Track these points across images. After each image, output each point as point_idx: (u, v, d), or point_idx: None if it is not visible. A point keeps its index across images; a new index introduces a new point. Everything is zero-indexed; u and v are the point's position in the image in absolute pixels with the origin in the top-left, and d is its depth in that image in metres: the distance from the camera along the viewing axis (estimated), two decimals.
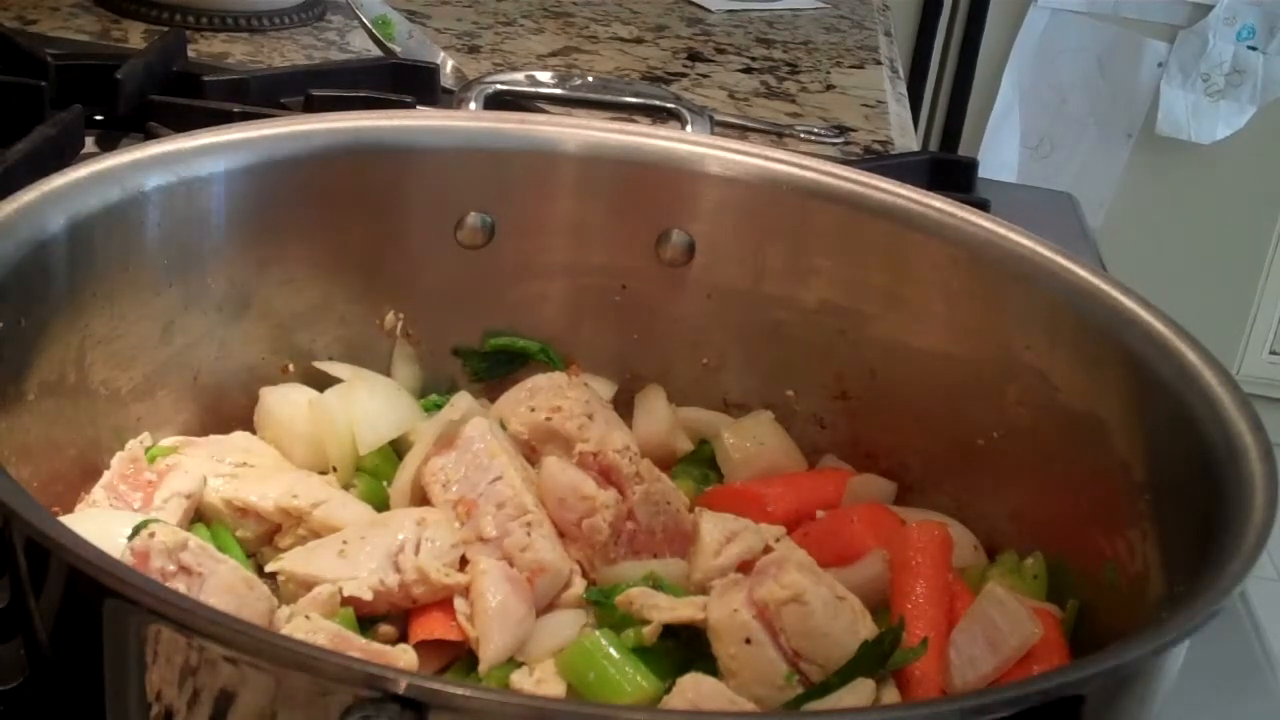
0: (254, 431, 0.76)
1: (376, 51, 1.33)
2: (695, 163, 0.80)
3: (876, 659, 0.62)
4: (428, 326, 0.81)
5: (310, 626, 0.60)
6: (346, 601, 0.64)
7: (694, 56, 1.56)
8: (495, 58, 1.46)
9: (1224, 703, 0.76)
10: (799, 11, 1.78)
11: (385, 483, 0.73)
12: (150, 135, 1.03)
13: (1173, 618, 0.50)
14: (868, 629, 0.63)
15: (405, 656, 0.61)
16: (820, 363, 0.80)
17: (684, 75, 1.50)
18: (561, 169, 0.80)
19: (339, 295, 0.79)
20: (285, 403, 0.76)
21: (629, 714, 0.53)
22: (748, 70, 1.53)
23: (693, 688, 0.60)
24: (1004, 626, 0.65)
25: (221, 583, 0.60)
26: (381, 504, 0.72)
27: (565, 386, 0.74)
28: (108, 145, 1.09)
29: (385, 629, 0.65)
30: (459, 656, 0.65)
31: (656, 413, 0.80)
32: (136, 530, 0.61)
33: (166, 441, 0.73)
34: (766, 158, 0.80)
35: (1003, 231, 0.75)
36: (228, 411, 0.76)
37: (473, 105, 1.04)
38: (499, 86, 1.07)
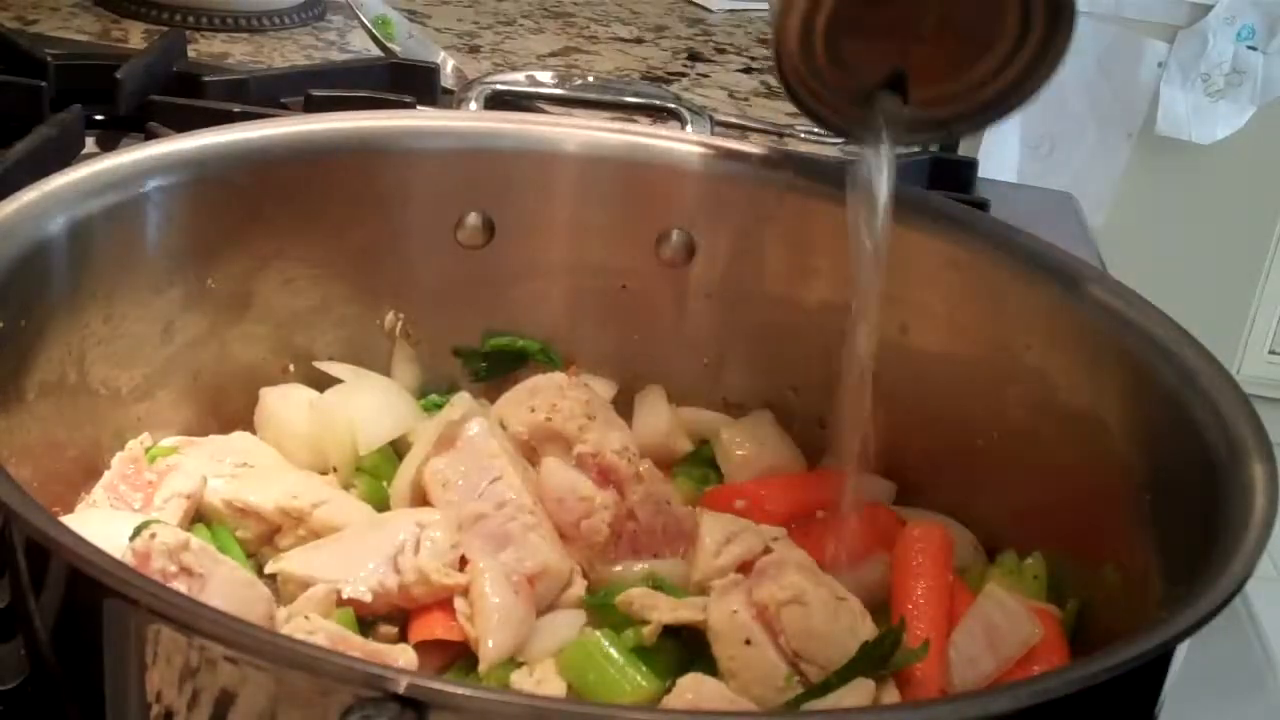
0: (254, 431, 0.76)
1: (376, 51, 1.33)
2: (695, 163, 0.80)
3: (877, 660, 0.62)
4: (428, 326, 0.81)
5: (310, 626, 0.60)
6: (346, 602, 0.64)
7: (694, 56, 1.56)
8: (495, 58, 1.46)
9: (1224, 703, 0.76)
10: None
11: (385, 483, 0.73)
12: (150, 135, 1.03)
13: (1173, 618, 0.50)
14: (868, 630, 0.63)
15: (405, 656, 0.61)
16: (820, 363, 0.80)
17: (684, 75, 1.50)
18: (561, 169, 0.80)
19: (339, 295, 0.79)
20: (285, 403, 0.76)
21: (629, 714, 0.54)
22: (748, 70, 1.53)
23: (693, 688, 0.60)
24: (1004, 626, 0.65)
25: (222, 583, 0.60)
26: (381, 504, 0.72)
27: (565, 387, 0.74)
28: (108, 145, 1.09)
29: (385, 629, 0.65)
30: (459, 656, 0.65)
31: (656, 413, 0.80)
32: (137, 531, 0.61)
33: (166, 441, 0.73)
34: (766, 157, 0.81)
35: (1003, 231, 0.75)
36: (228, 411, 0.76)
37: (473, 105, 1.04)
38: (499, 86, 1.07)
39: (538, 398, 0.74)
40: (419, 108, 1.12)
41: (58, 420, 0.67)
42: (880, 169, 0.68)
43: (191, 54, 1.29)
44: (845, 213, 0.78)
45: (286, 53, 1.40)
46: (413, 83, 1.22)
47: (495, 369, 0.82)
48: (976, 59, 0.66)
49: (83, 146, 1.06)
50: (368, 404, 0.75)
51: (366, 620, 0.65)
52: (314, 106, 1.11)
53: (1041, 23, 0.64)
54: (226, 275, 0.74)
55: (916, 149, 0.71)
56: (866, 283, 0.69)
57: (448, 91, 1.26)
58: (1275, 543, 0.57)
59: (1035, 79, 0.67)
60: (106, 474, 0.69)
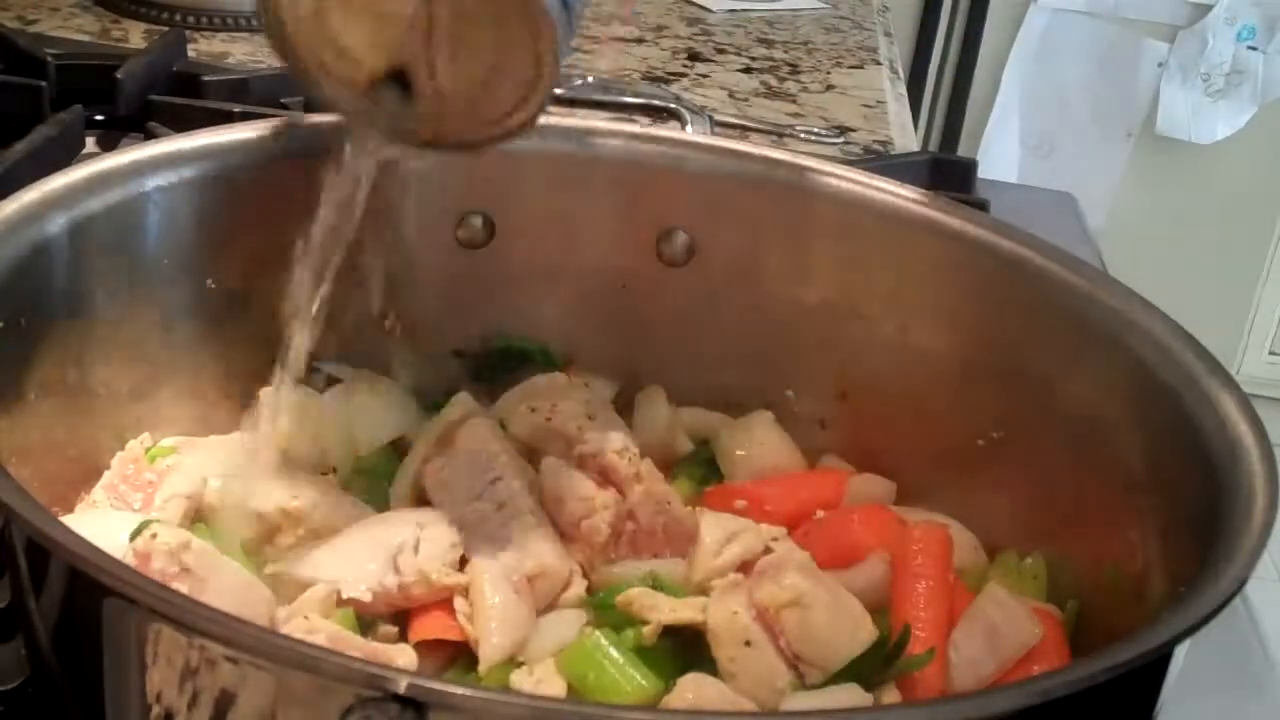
0: (254, 432, 0.76)
1: None
2: (695, 163, 0.80)
3: (881, 662, 0.62)
4: (428, 327, 0.81)
5: (310, 626, 0.60)
6: (346, 602, 0.64)
7: (694, 56, 1.56)
8: None
9: (1224, 703, 0.76)
10: (799, 11, 1.78)
11: (385, 483, 0.73)
12: (150, 135, 1.03)
13: (1173, 618, 0.50)
14: (868, 631, 0.63)
15: (405, 656, 0.61)
16: (820, 363, 0.80)
17: (684, 75, 1.50)
18: (561, 169, 0.80)
19: (339, 295, 0.79)
20: (285, 403, 0.76)
21: (629, 714, 0.53)
22: (748, 70, 1.53)
23: (693, 688, 0.60)
24: (1004, 627, 0.65)
25: (222, 584, 0.60)
26: (381, 504, 0.72)
27: (565, 387, 0.74)
28: (108, 145, 1.09)
29: (385, 629, 0.65)
30: (459, 656, 0.65)
31: (656, 413, 0.80)
32: (138, 531, 0.61)
33: (166, 441, 0.73)
34: (766, 158, 0.81)
35: (1003, 231, 0.75)
36: (228, 411, 0.76)
37: None
38: None
39: (538, 398, 0.74)
40: None
41: (58, 420, 0.67)
42: (358, 155, 0.65)
43: (191, 54, 1.29)
44: (845, 213, 0.78)
45: None
46: None
47: (495, 369, 0.82)
48: (475, 69, 0.62)
49: (83, 146, 1.06)
50: (368, 404, 0.75)
51: (366, 620, 0.65)
52: (314, 106, 1.11)
53: (527, 52, 0.61)
54: (226, 275, 0.74)
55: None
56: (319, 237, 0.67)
57: None
58: (1275, 543, 0.57)
59: (532, 105, 0.63)
60: (106, 474, 0.69)
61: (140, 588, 0.47)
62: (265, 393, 0.77)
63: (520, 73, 0.61)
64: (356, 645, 0.60)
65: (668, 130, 0.88)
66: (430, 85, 0.63)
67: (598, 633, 0.64)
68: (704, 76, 1.50)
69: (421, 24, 0.61)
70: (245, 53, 1.38)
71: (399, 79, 0.63)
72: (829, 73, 1.55)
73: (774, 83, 1.49)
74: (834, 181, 0.79)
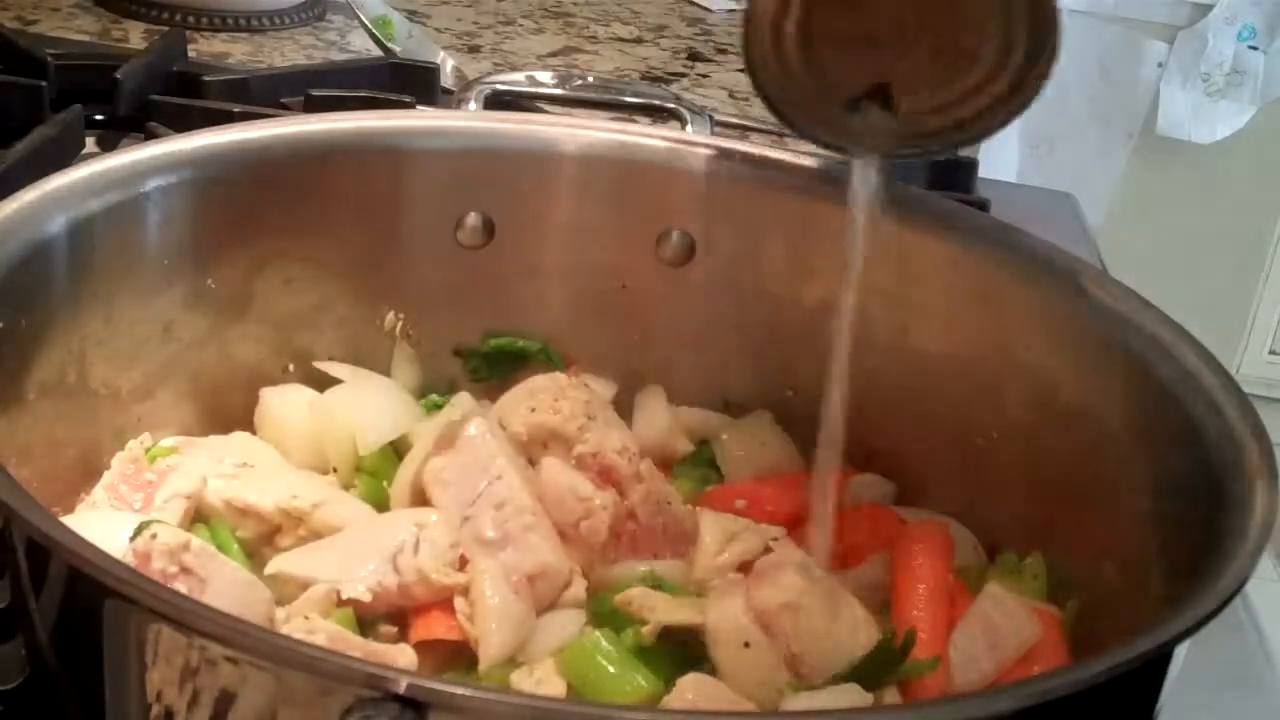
0: (254, 431, 0.76)
1: (376, 51, 1.33)
2: (695, 163, 0.80)
3: (886, 665, 0.62)
4: (428, 326, 0.81)
5: (310, 626, 0.60)
6: (346, 602, 0.64)
7: (694, 56, 1.56)
8: (495, 58, 1.46)
9: (1224, 703, 0.76)
10: None
11: (385, 483, 0.73)
12: (150, 135, 1.03)
13: (1173, 618, 0.50)
14: (868, 632, 0.63)
15: (405, 656, 0.61)
16: (820, 363, 0.80)
17: (684, 75, 1.50)
18: (561, 169, 0.80)
19: (339, 295, 0.79)
20: (285, 403, 0.76)
21: (629, 714, 0.54)
22: None
23: (693, 688, 0.60)
24: (1004, 626, 0.65)
25: (222, 583, 0.60)
26: (381, 504, 0.72)
27: (565, 387, 0.74)
28: (108, 145, 1.09)
29: (385, 629, 0.65)
30: (459, 656, 0.65)
31: (656, 413, 0.80)
32: (138, 531, 0.61)
33: (166, 441, 0.73)
34: (766, 157, 0.81)
35: (1003, 231, 0.75)
36: (228, 411, 0.76)
37: (473, 105, 1.04)
38: (499, 86, 1.07)
39: (538, 398, 0.74)
40: (419, 108, 1.12)
41: (58, 420, 0.67)
42: (863, 181, 0.69)
43: (191, 54, 1.29)
44: (845, 213, 0.78)
45: (286, 53, 1.40)
46: (413, 83, 1.22)
47: (495, 369, 0.82)
48: (961, 72, 0.65)
49: (83, 146, 1.06)
50: (368, 404, 0.75)
51: (366, 620, 0.65)
52: (314, 106, 1.11)
53: (1024, 45, 0.64)
54: (226, 275, 0.74)
55: (912, 159, 0.73)
56: (844, 287, 0.71)
57: (448, 91, 1.26)
58: (1275, 543, 0.57)
59: (1023, 94, 0.66)
60: (106, 474, 0.69)
61: (140, 588, 0.47)
62: (266, 392, 0.77)
63: (1005, 70, 0.65)
64: (356, 645, 0.60)
65: (668, 130, 0.88)
66: (911, 95, 0.66)
67: (598, 633, 0.64)
68: (704, 76, 1.50)
69: (905, 39, 0.64)
70: (245, 53, 1.38)
71: (876, 96, 0.67)
72: None
73: None
74: (833, 181, 0.79)
